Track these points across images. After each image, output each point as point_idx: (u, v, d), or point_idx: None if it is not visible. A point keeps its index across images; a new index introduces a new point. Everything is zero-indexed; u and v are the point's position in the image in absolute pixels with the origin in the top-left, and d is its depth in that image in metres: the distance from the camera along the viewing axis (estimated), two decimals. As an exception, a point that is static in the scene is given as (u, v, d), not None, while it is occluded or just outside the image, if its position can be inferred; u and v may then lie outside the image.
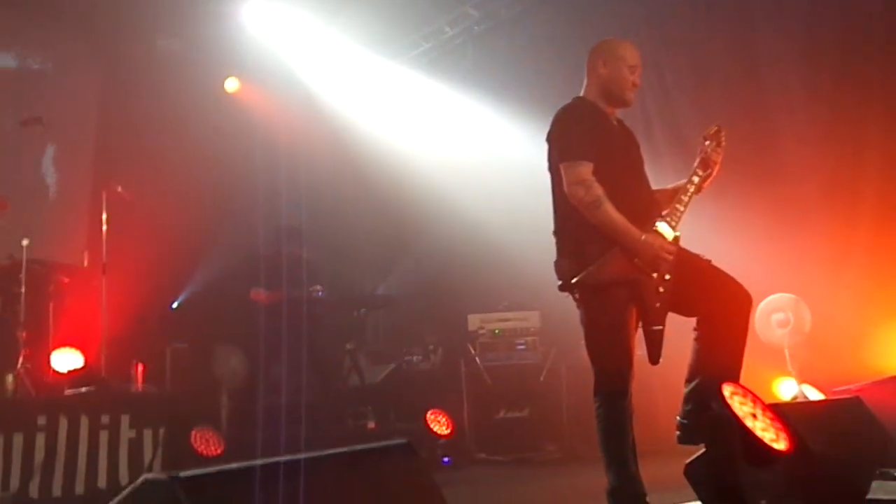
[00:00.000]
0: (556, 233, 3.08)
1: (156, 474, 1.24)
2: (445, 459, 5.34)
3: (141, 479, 1.26)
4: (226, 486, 1.38)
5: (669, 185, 3.18)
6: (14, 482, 3.81)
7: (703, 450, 2.69)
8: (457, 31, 6.81)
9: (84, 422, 4.08)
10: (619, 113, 3.19)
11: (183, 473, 1.27)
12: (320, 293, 5.77)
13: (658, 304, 2.86)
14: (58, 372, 4.87)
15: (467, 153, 6.78)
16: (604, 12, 6.35)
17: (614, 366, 2.91)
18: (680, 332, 3.02)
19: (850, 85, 5.59)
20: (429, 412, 5.61)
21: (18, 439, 3.87)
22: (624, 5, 6.33)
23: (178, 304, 6.21)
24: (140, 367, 4.83)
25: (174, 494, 1.24)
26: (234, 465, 1.45)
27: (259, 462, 1.47)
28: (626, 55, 3.10)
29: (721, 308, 2.89)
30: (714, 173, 3.10)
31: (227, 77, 6.87)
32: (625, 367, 2.91)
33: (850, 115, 5.58)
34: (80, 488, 3.97)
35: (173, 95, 6.28)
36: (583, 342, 5.86)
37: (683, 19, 6.22)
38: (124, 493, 1.26)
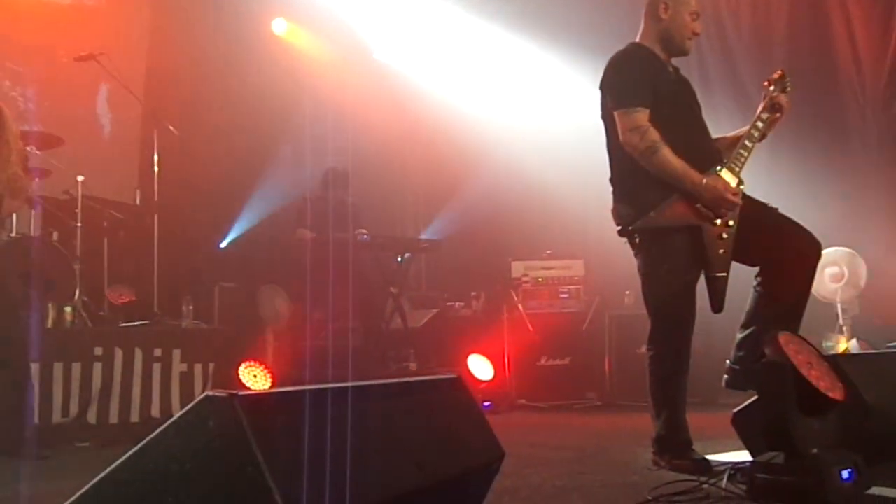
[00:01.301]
0: (612, 180, 3.01)
1: (216, 391, 1.27)
2: (486, 404, 5.40)
3: (202, 395, 1.29)
4: (281, 406, 1.40)
5: (731, 134, 3.09)
6: (73, 408, 3.97)
7: (753, 398, 2.67)
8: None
9: (138, 354, 4.21)
10: (675, 61, 3.09)
11: (243, 392, 1.30)
12: (365, 237, 5.80)
13: (721, 251, 2.80)
14: (112, 305, 5.03)
15: (515, 98, 6.68)
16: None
17: (674, 314, 2.87)
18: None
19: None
20: (470, 357, 5.66)
21: (77, 368, 4.02)
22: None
23: (226, 244, 6.31)
24: (190, 304, 4.95)
25: (233, 410, 1.27)
26: (289, 388, 1.48)
27: (312, 387, 1.50)
28: (690, 1, 2.98)
29: (788, 257, 2.80)
30: (780, 117, 3.00)
31: (275, 18, 6.83)
32: (685, 315, 2.86)
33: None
34: (135, 416, 4.12)
35: (222, 35, 6.28)
36: (627, 292, 5.86)
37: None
38: (187, 407, 1.30)
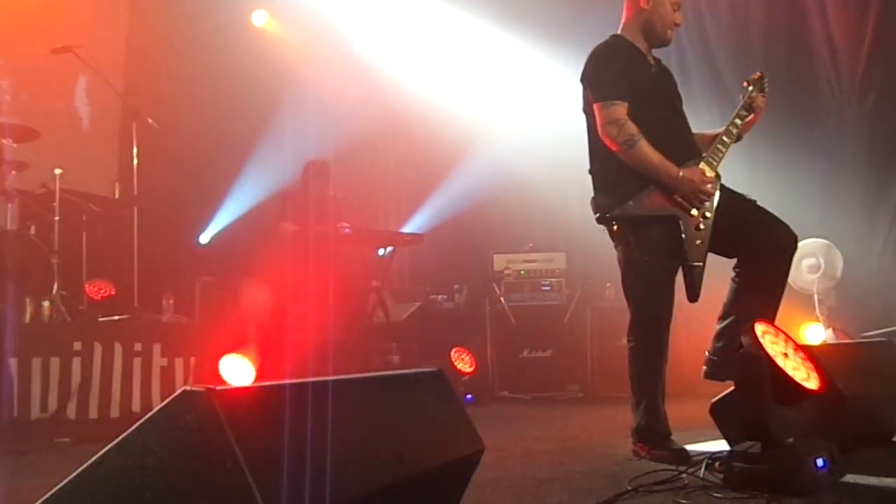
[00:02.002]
0: (591, 172, 3.04)
1: (194, 386, 1.27)
2: (468, 397, 5.42)
3: (180, 390, 1.29)
4: (260, 401, 1.40)
5: (709, 131, 3.12)
6: (52, 404, 3.93)
7: (731, 389, 2.70)
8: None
9: (118, 348, 4.18)
10: (656, 52, 3.11)
11: (221, 387, 1.30)
12: (347, 230, 5.78)
13: (698, 242, 2.82)
14: (91, 300, 4.98)
15: (498, 92, 6.68)
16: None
17: (652, 304, 2.90)
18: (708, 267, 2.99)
19: (892, 34, 5.42)
20: (452, 349, 5.67)
21: (55, 363, 3.98)
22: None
23: (208, 239, 6.28)
24: (171, 299, 4.92)
25: (211, 405, 1.27)
26: (268, 383, 1.48)
27: (292, 381, 1.50)
28: None
29: (764, 249, 2.84)
30: (756, 118, 3.04)
31: (256, 10, 6.78)
32: (663, 305, 2.90)
33: (892, 63, 5.43)
34: (115, 411, 4.10)
35: (201, 27, 6.22)
36: (608, 284, 5.89)
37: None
38: (164, 402, 1.29)
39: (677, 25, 3.03)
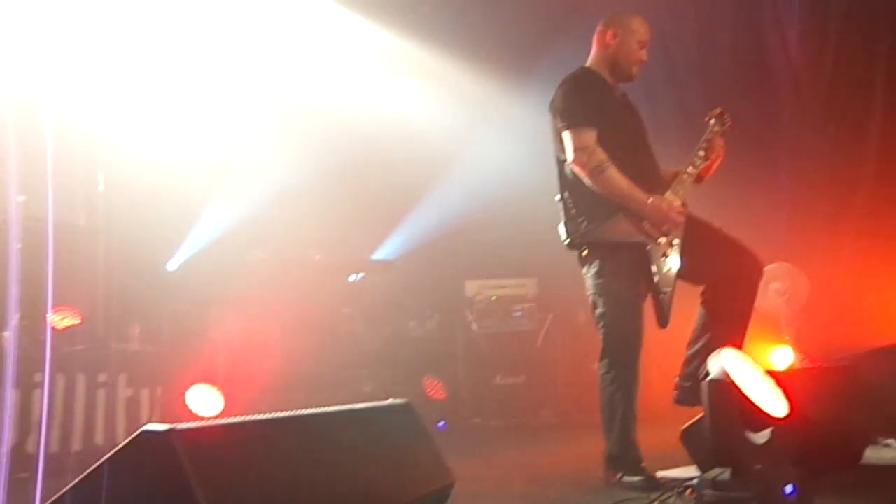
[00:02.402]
0: (560, 199, 3.06)
1: (154, 425, 1.23)
2: (441, 424, 5.38)
3: (139, 430, 1.25)
4: (224, 440, 1.37)
5: (671, 169, 3.17)
6: (12, 437, 3.82)
7: (700, 416, 2.71)
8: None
9: (81, 380, 4.08)
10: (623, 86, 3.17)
11: (181, 426, 1.27)
12: (317, 257, 5.76)
13: (667, 269, 2.86)
14: (55, 329, 4.87)
15: (468, 117, 6.70)
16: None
17: (623, 331, 2.92)
18: (680, 293, 3.01)
19: (854, 60, 5.58)
20: (425, 376, 5.64)
21: (15, 396, 3.87)
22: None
23: (176, 266, 6.19)
24: (137, 327, 4.82)
25: (171, 446, 1.23)
26: (232, 420, 1.45)
27: (258, 417, 1.47)
28: (638, 29, 3.08)
29: (731, 275, 2.89)
30: (716, 164, 3.10)
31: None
32: (633, 331, 2.91)
33: (853, 90, 5.59)
34: (77, 444, 3.99)
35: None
36: (580, 309, 5.91)
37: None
38: (123, 444, 1.25)
39: (643, 62, 3.09)
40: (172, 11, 5.61)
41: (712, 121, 3.13)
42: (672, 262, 2.88)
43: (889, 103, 5.47)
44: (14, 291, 4.47)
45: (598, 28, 3.14)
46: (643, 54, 3.08)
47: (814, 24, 5.75)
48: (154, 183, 5.85)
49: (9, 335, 4.17)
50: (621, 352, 2.94)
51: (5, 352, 4.15)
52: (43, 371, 3.88)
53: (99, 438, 4.04)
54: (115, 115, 5.74)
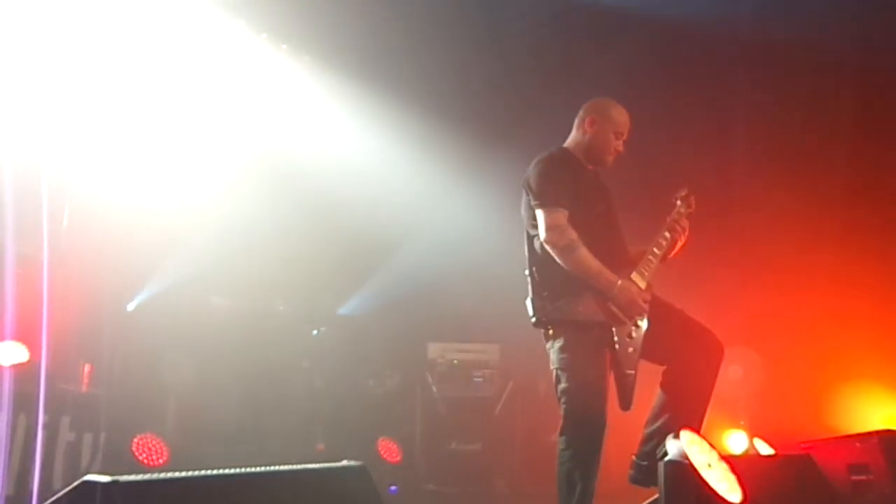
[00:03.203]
0: (529, 274, 3.08)
1: (96, 476, 1.18)
2: (392, 488, 5.26)
3: (80, 480, 1.19)
4: (169, 496, 1.31)
5: (636, 247, 3.22)
6: (-60, 478, 3.63)
7: (656, 496, 2.69)
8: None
9: (21, 420, 3.92)
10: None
11: (124, 478, 1.21)
12: (281, 308, 5.69)
13: (631, 350, 2.87)
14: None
15: (438, 181, 6.76)
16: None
17: (587, 409, 2.89)
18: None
19: (815, 147, 5.77)
20: (380, 438, 5.53)
21: (-50, 433, 3.70)
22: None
23: (134, 307, 6.05)
24: (87, 368, 4.67)
25: (113, 500, 1.18)
26: (180, 474, 1.39)
27: (206, 473, 1.42)
28: (616, 119, 3.17)
29: (692, 357, 2.92)
30: (682, 241, 3.17)
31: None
32: (597, 410, 2.89)
33: (814, 177, 5.75)
34: (10, 489, 3.80)
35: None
36: (541, 379, 5.88)
37: (653, 71, 6.26)
38: (60, 494, 1.20)
39: (618, 153, 3.17)
40: (143, 61, 5.64)
41: (678, 201, 3.20)
42: (636, 344, 2.89)
43: (854, 173, 5.61)
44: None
45: (580, 112, 3.23)
46: (619, 145, 3.16)
47: (769, 80, 5.93)
48: (119, 222, 5.77)
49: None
50: (583, 429, 2.91)
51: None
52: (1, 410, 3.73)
53: (34, 484, 3.86)
54: (85, 151, 5.69)
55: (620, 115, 3.17)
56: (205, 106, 6.07)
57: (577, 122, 3.22)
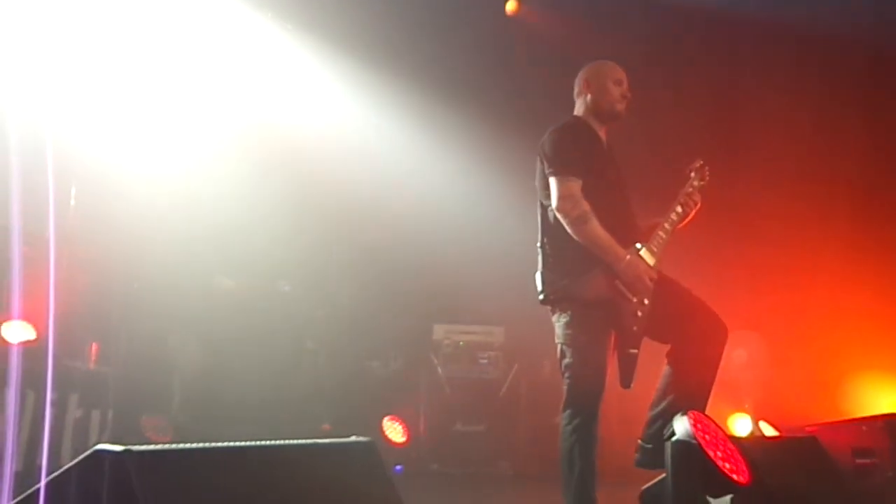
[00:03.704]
0: (540, 245, 3.08)
1: (107, 445, 1.19)
2: (397, 467, 5.29)
3: (92, 449, 1.20)
4: (181, 466, 1.32)
5: (647, 220, 3.20)
6: (-50, 453, 3.66)
7: (661, 476, 2.70)
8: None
9: (30, 397, 3.95)
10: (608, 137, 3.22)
11: (136, 447, 1.22)
12: (286, 288, 5.70)
13: (635, 328, 2.87)
14: (7, 343, 4.72)
15: (445, 162, 6.74)
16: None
17: (587, 384, 2.91)
18: (642, 355, 3.02)
19: (827, 128, 5.74)
20: (385, 418, 5.55)
21: (-43, 409, 3.73)
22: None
23: (142, 286, 6.07)
24: (94, 346, 4.70)
25: (125, 469, 1.19)
26: (191, 445, 1.40)
27: (217, 445, 1.42)
28: (609, 71, 3.16)
29: (697, 337, 2.91)
30: (692, 213, 3.14)
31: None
32: (597, 386, 2.90)
33: (824, 157, 5.73)
34: (19, 464, 3.83)
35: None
36: (545, 361, 5.89)
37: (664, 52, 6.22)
38: (72, 463, 1.20)
39: (625, 98, 3.14)
40: (150, 41, 5.63)
41: (692, 174, 3.17)
42: (640, 322, 2.89)
43: (864, 167, 5.60)
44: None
45: (574, 87, 3.22)
46: (623, 90, 3.13)
47: (789, 86, 5.90)
48: (127, 201, 5.78)
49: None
50: (583, 405, 2.92)
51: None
52: (9, 387, 3.75)
53: (42, 459, 3.89)
54: (93, 131, 5.68)
55: (611, 66, 3.17)
56: (212, 86, 6.05)
57: (575, 93, 3.21)
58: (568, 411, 2.94)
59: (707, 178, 3.18)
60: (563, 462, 2.92)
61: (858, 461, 3.00)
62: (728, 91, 6.17)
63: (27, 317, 4.86)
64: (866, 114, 5.66)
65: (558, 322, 2.98)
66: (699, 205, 3.14)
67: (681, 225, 3.12)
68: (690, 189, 3.13)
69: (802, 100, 5.82)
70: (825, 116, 5.76)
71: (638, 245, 2.96)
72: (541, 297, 3.00)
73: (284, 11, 6.05)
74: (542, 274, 3.02)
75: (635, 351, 2.88)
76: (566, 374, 2.97)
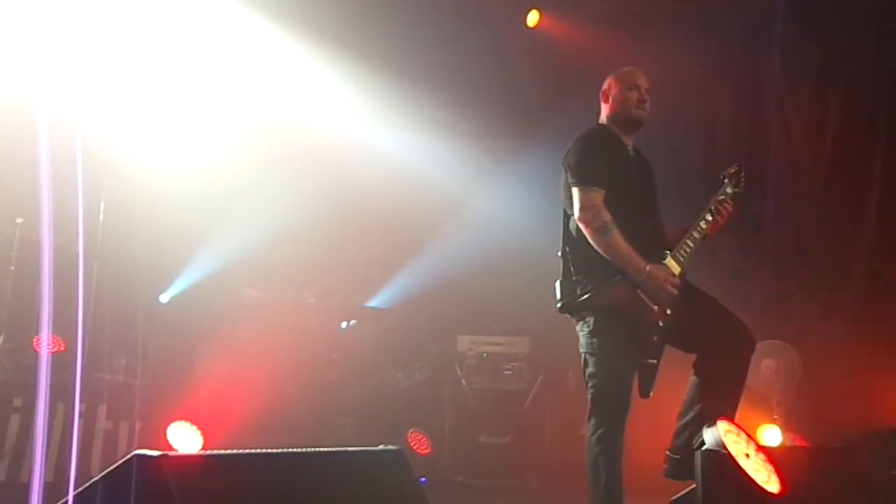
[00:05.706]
0: (562, 254, 3.07)
1: (146, 451, 1.20)
2: (422, 479, 5.27)
3: (131, 453, 1.22)
4: (212, 470, 1.34)
5: (678, 227, 3.17)
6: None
7: (691, 487, 2.67)
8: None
9: (60, 408, 4.00)
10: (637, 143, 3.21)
11: (172, 453, 1.24)
12: (311, 300, 5.73)
13: (656, 338, 2.84)
14: (39, 355, 4.79)
15: (469, 173, 6.76)
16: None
17: (611, 393, 2.89)
18: (668, 366, 2.99)
19: (855, 131, 5.69)
20: (409, 430, 5.55)
21: (-9, 420, 3.78)
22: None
23: (169, 299, 6.14)
24: (123, 359, 4.75)
25: (161, 473, 1.20)
26: (224, 452, 1.42)
27: (250, 451, 1.44)
28: (627, 78, 3.16)
29: (724, 347, 2.88)
30: (724, 220, 3.07)
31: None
32: (622, 396, 2.88)
33: (851, 163, 5.67)
34: (50, 475, 3.88)
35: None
36: (570, 372, 5.85)
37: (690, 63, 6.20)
38: (115, 465, 1.22)
39: (644, 102, 3.12)
40: (182, 46, 5.71)
41: (726, 179, 3.12)
42: (662, 333, 2.86)
43: (888, 178, 5.54)
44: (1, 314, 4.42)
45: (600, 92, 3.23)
46: (642, 95, 3.11)
47: (813, 96, 5.87)
48: (154, 215, 5.86)
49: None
50: (608, 415, 2.90)
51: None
52: (38, 398, 3.80)
53: (72, 470, 3.93)
54: (123, 145, 5.78)
55: (628, 72, 3.15)
56: (240, 97, 6.13)
57: (600, 98, 3.21)
58: (592, 421, 2.91)
59: (743, 184, 3.13)
60: (588, 473, 2.90)
61: (893, 472, 2.94)
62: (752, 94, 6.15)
63: (57, 329, 4.94)
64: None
65: (582, 331, 2.97)
66: (732, 212, 3.07)
67: (711, 232, 3.06)
68: (723, 196, 3.08)
69: (826, 112, 5.79)
70: (851, 118, 5.72)
71: (666, 251, 2.93)
72: (558, 305, 2.99)
73: (306, 25, 6.11)
74: (562, 283, 3.01)
75: (654, 361, 2.85)
76: (590, 384, 2.95)
